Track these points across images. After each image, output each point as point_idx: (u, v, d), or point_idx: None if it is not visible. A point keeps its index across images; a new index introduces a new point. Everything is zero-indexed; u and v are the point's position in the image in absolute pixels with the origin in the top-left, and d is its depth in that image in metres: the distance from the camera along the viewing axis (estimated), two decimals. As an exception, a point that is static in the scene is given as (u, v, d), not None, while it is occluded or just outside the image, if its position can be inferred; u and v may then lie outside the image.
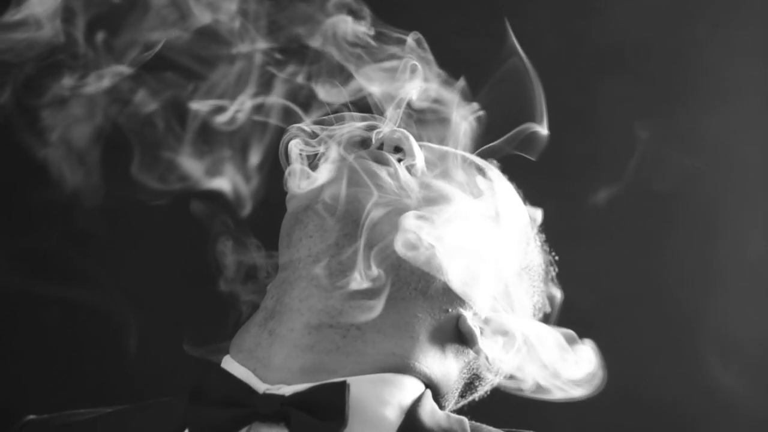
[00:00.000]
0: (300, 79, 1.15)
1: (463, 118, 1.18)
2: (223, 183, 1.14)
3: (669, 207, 2.07)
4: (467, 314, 1.12)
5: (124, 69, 1.14)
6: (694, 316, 2.05)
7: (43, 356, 2.10)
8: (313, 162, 1.13)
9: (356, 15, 1.15)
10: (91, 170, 1.16)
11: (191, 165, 1.14)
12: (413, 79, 1.16)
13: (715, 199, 2.10)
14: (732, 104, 2.12)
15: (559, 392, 1.09)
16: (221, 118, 1.14)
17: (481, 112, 1.18)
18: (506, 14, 1.93)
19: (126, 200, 1.22)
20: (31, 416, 1.17)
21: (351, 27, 1.16)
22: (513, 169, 1.26)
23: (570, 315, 1.93)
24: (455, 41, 2.02)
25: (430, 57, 1.16)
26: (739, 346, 2.05)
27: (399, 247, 1.06)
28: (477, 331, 1.11)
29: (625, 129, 1.64)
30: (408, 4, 2.07)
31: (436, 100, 1.17)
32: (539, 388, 1.09)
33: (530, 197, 1.28)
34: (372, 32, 1.15)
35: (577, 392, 1.09)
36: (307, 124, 1.13)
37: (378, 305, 1.05)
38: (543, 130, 1.20)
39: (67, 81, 1.14)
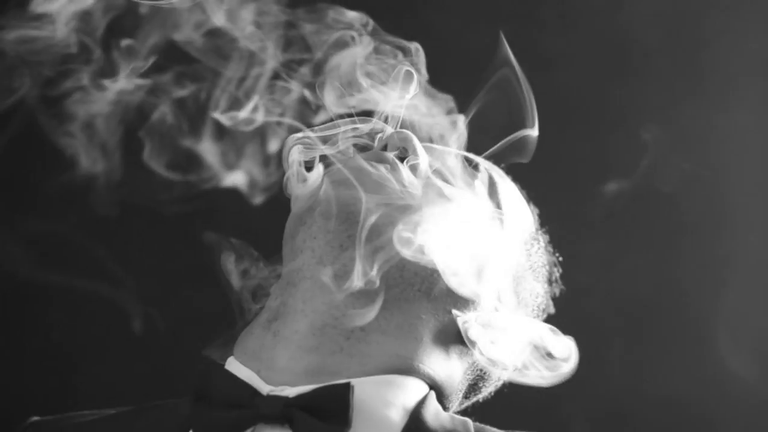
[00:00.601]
0: (305, 86, 1.15)
1: (453, 130, 1.19)
2: (237, 176, 1.15)
3: (678, 204, 2.07)
4: (466, 316, 1.11)
5: (141, 66, 1.16)
6: (706, 310, 2.05)
7: (48, 357, 2.10)
8: (316, 165, 1.13)
9: (361, 28, 1.16)
10: (109, 160, 1.17)
11: (207, 156, 1.14)
12: (408, 85, 1.16)
13: (725, 195, 2.10)
14: (740, 102, 2.12)
15: (535, 378, 1.09)
16: (233, 120, 1.14)
17: (466, 129, 1.19)
18: (513, 16, 1.93)
19: (143, 196, 1.23)
20: (35, 417, 1.17)
21: (356, 48, 1.16)
22: (520, 171, 1.26)
23: (580, 312, 1.94)
24: (458, 43, 2.03)
25: (424, 68, 1.17)
26: (752, 337, 2.05)
27: (400, 247, 1.06)
28: (473, 332, 1.11)
29: (633, 130, 1.64)
30: (416, 4, 2.08)
31: (425, 114, 1.18)
32: (517, 372, 1.09)
33: (539, 197, 1.28)
34: (374, 45, 1.16)
35: (551, 379, 1.09)
36: (307, 131, 1.14)
37: (372, 309, 1.05)
38: (534, 132, 1.20)
39: (85, 77, 1.15)
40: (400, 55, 1.17)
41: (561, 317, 1.24)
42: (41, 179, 1.73)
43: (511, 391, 1.22)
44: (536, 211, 1.27)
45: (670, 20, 2.14)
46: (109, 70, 1.16)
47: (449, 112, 1.19)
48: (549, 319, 1.25)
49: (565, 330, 1.11)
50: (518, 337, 1.10)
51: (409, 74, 1.16)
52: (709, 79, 2.12)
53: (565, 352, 1.09)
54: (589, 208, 1.98)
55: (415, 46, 1.17)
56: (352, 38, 1.17)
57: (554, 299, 1.29)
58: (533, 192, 1.28)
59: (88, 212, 1.24)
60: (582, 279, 1.94)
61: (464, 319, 1.10)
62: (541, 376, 1.09)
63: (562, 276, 1.31)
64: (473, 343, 1.09)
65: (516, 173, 1.26)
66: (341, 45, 1.17)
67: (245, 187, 1.15)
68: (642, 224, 2.10)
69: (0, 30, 1.13)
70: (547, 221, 1.30)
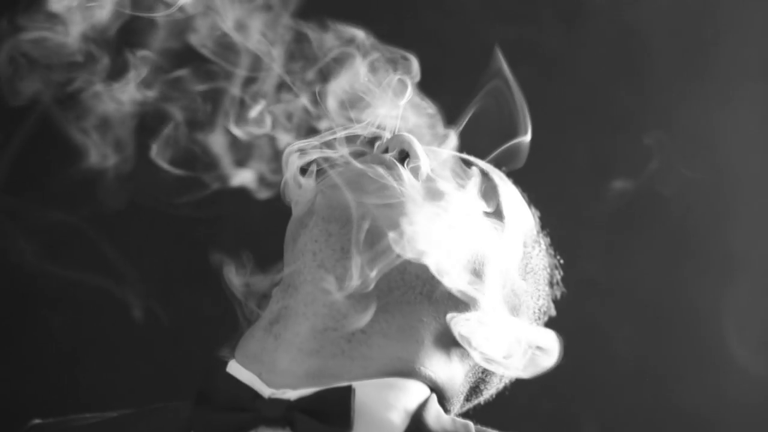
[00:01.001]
0: (306, 94, 1.16)
1: (445, 138, 1.20)
2: (245, 174, 1.16)
3: (683, 206, 2.07)
4: (461, 316, 1.11)
5: (150, 69, 1.17)
6: (714, 311, 2.05)
7: (50, 359, 2.10)
8: (314, 170, 1.14)
9: (360, 43, 1.17)
10: (118, 157, 1.18)
11: (215, 154, 1.15)
12: (403, 94, 1.17)
13: (730, 197, 2.10)
14: (746, 105, 2.11)
15: (517, 371, 1.09)
16: (244, 130, 1.16)
17: (457, 138, 1.20)
18: (512, 18, 1.93)
19: (150, 194, 1.24)
20: (37, 420, 1.17)
21: (355, 61, 1.17)
22: (522, 173, 1.26)
23: (588, 313, 1.94)
24: (460, 44, 2.03)
25: (417, 76, 1.18)
26: (761, 338, 2.05)
27: (399, 249, 1.05)
28: (463, 329, 1.10)
29: (637, 134, 1.64)
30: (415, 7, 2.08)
31: (417, 123, 1.18)
32: (501, 365, 1.09)
33: (544, 198, 1.28)
34: (372, 57, 1.17)
35: (533, 371, 1.09)
36: (307, 139, 1.15)
37: (368, 312, 1.05)
38: (526, 139, 1.21)
39: (97, 78, 1.16)
40: (397, 65, 1.17)
41: (569, 319, 1.24)
42: (50, 173, 1.73)
43: (523, 394, 1.22)
44: (538, 213, 1.27)
45: (677, 22, 2.14)
46: (121, 71, 1.17)
47: (441, 121, 1.19)
48: (555, 322, 1.25)
49: (573, 332, 1.11)
50: (508, 333, 1.10)
51: (403, 83, 1.17)
52: (714, 81, 2.12)
53: (549, 345, 1.09)
54: (595, 210, 1.98)
55: (410, 56, 1.18)
56: (352, 53, 1.17)
57: (563, 302, 1.29)
58: (537, 194, 1.28)
59: (95, 207, 1.25)
60: (589, 280, 1.94)
61: (455, 317, 1.09)
62: (522, 368, 1.09)
63: (569, 279, 1.31)
64: (464, 339, 1.08)
65: (518, 176, 1.26)
66: (341, 59, 1.17)
67: (252, 183, 1.16)
68: (648, 226, 2.10)
69: (16, 31, 1.14)
70: (552, 223, 1.30)
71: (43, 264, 1.43)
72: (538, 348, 1.10)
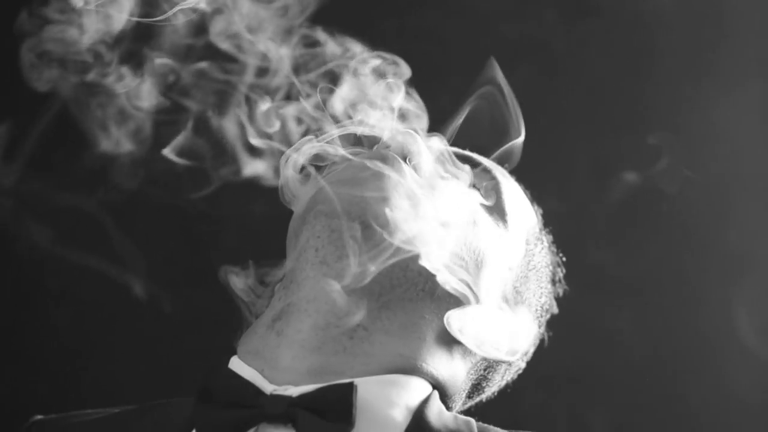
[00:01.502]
0: (308, 98, 1.17)
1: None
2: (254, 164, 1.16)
3: (687, 205, 2.07)
4: (458, 311, 1.10)
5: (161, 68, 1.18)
6: (724, 306, 2.05)
7: (52, 355, 2.10)
8: (316, 167, 1.14)
9: (359, 57, 1.18)
10: (130, 148, 1.19)
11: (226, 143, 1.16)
12: (397, 97, 1.17)
13: (734, 190, 2.10)
14: (750, 104, 2.11)
15: (498, 354, 1.10)
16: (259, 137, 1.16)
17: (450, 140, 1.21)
18: (515, 16, 1.93)
19: (159, 186, 1.24)
20: (39, 416, 1.17)
21: (354, 68, 1.18)
22: (525, 172, 1.26)
23: (594, 314, 1.93)
24: (461, 43, 2.03)
25: (407, 75, 1.19)
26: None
27: (400, 245, 1.05)
28: (457, 324, 1.10)
29: (642, 134, 1.64)
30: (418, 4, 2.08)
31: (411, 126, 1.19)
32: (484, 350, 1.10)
33: (549, 193, 1.28)
34: (370, 64, 1.18)
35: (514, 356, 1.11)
36: (306, 138, 1.15)
37: (364, 307, 1.05)
38: (519, 140, 1.22)
39: (113, 73, 1.17)
40: (389, 68, 1.18)
41: (575, 317, 1.23)
42: (59, 162, 1.74)
43: (529, 391, 1.22)
44: (540, 210, 1.27)
45: (681, 21, 2.14)
46: (135, 64, 1.18)
47: (427, 123, 1.20)
48: (561, 318, 1.25)
49: (579, 329, 1.11)
50: (503, 326, 1.10)
51: (396, 85, 1.17)
52: (718, 81, 2.12)
53: (528, 330, 1.11)
54: (597, 207, 1.99)
55: (400, 60, 1.19)
56: (348, 62, 1.18)
57: (569, 299, 1.29)
58: (539, 192, 1.28)
59: (103, 195, 1.25)
60: (595, 277, 1.94)
61: (452, 313, 1.09)
62: (512, 355, 1.10)
63: (575, 276, 1.31)
64: (460, 333, 1.08)
65: (520, 173, 1.26)
66: (339, 68, 1.18)
67: (260, 172, 1.17)
68: (653, 222, 2.10)
69: (35, 24, 1.15)
70: (556, 220, 1.30)
71: (52, 249, 1.44)
72: (522, 334, 1.10)
